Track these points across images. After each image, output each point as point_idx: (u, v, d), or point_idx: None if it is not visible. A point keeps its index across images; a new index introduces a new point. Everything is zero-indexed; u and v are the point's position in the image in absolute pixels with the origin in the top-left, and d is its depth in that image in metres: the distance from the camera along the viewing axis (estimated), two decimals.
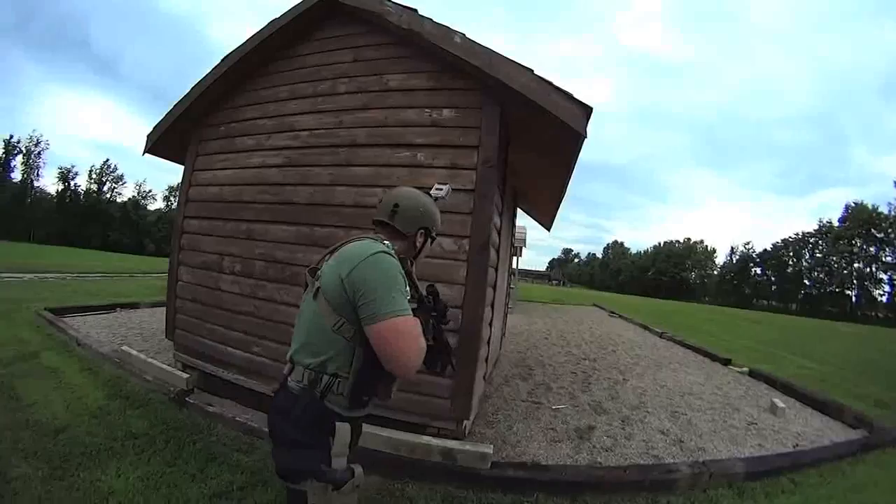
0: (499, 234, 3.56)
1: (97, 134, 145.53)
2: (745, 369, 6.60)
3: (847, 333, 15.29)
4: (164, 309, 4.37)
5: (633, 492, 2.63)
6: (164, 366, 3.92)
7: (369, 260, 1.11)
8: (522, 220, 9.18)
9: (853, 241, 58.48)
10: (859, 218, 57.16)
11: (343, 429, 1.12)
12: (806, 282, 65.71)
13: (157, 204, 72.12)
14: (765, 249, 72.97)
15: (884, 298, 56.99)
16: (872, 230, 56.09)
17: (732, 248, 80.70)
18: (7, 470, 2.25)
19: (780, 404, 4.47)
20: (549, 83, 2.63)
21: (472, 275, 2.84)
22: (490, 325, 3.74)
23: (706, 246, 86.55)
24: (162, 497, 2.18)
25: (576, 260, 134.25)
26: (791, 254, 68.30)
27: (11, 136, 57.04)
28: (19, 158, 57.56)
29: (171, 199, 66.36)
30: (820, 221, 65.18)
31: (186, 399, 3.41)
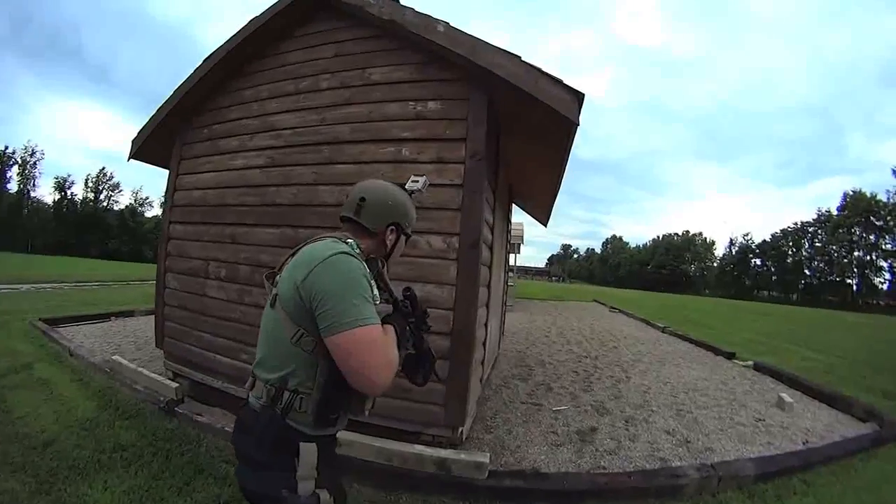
0: (491, 230, 3.43)
1: (93, 142, 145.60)
2: (750, 363, 6.49)
3: (852, 323, 15.15)
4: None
5: (639, 499, 2.51)
6: (154, 375, 3.81)
7: (326, 262, 0.98)
8: (519, 216, 9.07)
9: (852, 230, 58.51)
10: (858, 206, 57.19)
11: (308, 450, 1.00)
12: (806, 271, 65.80)
13: (154, 211, 71.78)
14: (764, 240, 73.12)
15: (885, 286, 57.00)
16: (871, 218, 56.09)
17: (731, 240, 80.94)
18: None
19: (788, 399, 4.37)
20: (538, 69, 2.50)
21: (462, 274, 2.71)
22: (486, 325, 3.61)
23: (705, 238, 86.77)
24: None
25: (575, 256, 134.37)
26: (790, 244, 68.35)
27: (7, 147, 56.77)
28: (15, 169, 57.38)
29: None
30: (818, 210, 65.35)
31: (176, 409, 3.33)
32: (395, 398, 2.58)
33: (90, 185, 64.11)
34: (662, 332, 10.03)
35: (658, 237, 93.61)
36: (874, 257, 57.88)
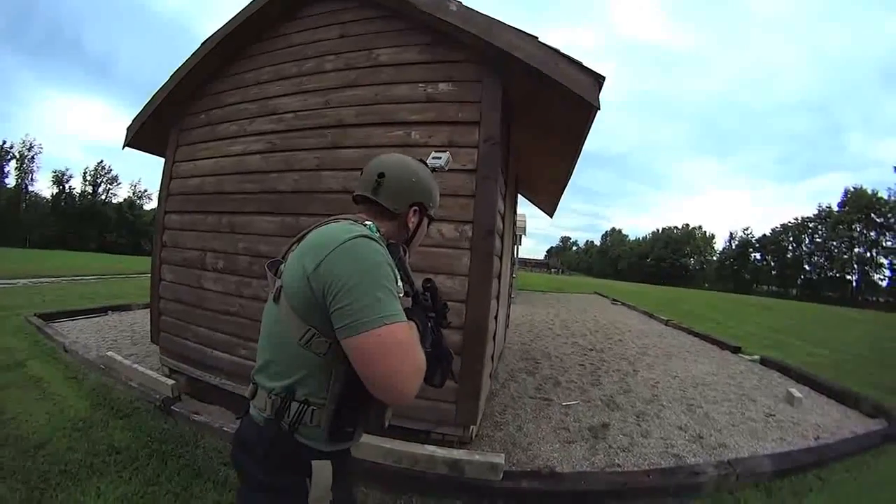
0: (503, 219, 3.30)
1: (91, 135, 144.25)
2: (756, 357, 6.41)
3: (855, 319, 15.05)
4: None
5: (658, 497, 2.42)
6: (150, 372, 3.68)
7: (343, 247, 0.80)
8: (522, 206, 8.92)
9: (853, 226, 58.46)
10: (859, 203, 57.12)
11: (322, 468, 0.84)
12: (806, 266, 65.84)
13: (152, 203, 71.46)
14: (764, 235, 73.07)
15: (884, 283, 57.12)
16: (872, 215, 56.01)
17: (731, 234, 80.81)
18: None
19: (797, 394, 4.29)
20: (557, 51, 2.37)
21: (476, 265, 2.57)
22: (495, 318, 3.50)
23: (705, 232, 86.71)
24: None
25: (574, 248, 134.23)
26: (791, 239, 68.32)
27: (4, 142, 56.13)
28: (13, 164, 56.84)
29: None
30: (819, 206, 65.23)
31: (172, 407, 3.19)
32: None
33: (88, 178, 63.66)
34: (666, 325, 9.95)
35: (658, 230, 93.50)
36: (874, 254, 57.92)
